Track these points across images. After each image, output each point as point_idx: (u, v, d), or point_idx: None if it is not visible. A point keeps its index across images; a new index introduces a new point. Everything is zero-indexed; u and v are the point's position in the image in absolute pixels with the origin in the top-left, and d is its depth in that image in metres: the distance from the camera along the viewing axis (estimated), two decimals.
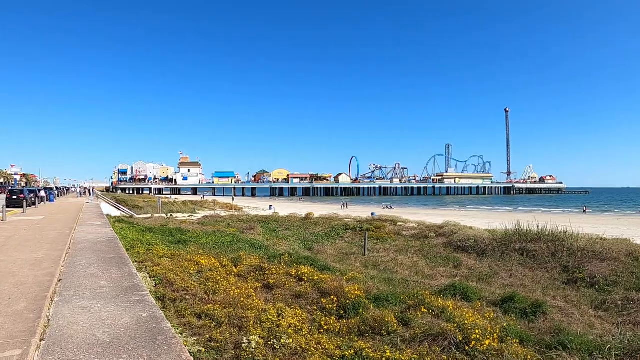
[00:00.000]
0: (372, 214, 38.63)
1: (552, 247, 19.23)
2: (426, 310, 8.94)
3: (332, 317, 8.16)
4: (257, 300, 8.21)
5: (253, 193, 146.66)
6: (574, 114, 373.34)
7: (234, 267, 11.74)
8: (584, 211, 58.72)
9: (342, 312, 8.71)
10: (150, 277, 9.11)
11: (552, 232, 20.51)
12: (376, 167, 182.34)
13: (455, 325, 8.01)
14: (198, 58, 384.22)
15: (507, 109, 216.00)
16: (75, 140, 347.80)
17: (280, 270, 11.16)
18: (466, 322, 8.20)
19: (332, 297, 9.18)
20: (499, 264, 17.85)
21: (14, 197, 28.76)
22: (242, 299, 7.97)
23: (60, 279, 5.70)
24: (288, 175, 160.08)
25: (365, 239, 17.91)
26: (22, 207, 24.13)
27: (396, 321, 8.29)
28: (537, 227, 20.75)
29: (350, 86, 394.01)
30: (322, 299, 9.20)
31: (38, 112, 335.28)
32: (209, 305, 7.50)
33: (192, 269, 10.63)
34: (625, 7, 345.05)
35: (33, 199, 30.25)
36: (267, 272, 11.02)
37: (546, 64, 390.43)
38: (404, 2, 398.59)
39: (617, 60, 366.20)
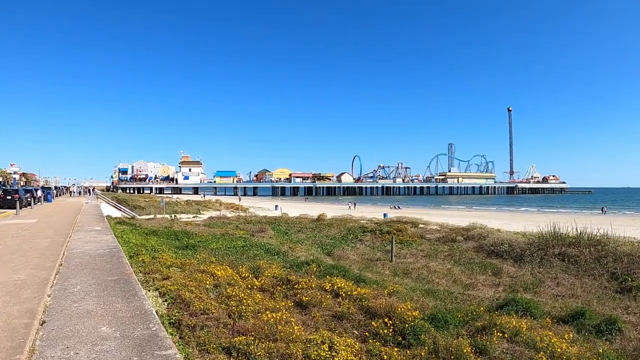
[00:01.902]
0: (385, 215, 36.90)
1: (594, 252, 17.65)
2: (500, 334, 7.30)
3: (395, 348, 6.47)
4: (296, 327, 6.50)
5: (255, 192, 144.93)
6: (575, 114, 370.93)
7: (254, 279, 10.04)
8: (603, 212, 56.66)
9: (399, 339, 7.05)
10: (160, 296, 7.41)
11: (590, 235, 18.95)
12: (380, 166, 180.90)
13: (545, 354, 6.50)
14: (199, 57, 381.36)
15: (510, 108, 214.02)
16: (76, 140, 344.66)
17: (311, 283, 9.44)
18: (557, 349, 6.75)
19: (385, 319, 7.50)
20: (541, 271, 16.23)
21: (8, 197, 26.96)
22: (279, 327, 6.25)
23: (44, 321, 3.91)
24: (290, 174, 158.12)
25: (392, 244, 16.20)
26: (15, 208, 22.34)
27: (471, 350, 6.68)
28: (576, 229, 19.16)
29: (352, 85, 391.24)
30: (372, 322, 7.53)
31: (38, 111, 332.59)
32: (239, 337, 5.78)
33: (207, 282, 8.92)
34: (627, 3, 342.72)
35: (29, 199, 28.45)
36: (296, 287, 9.31)
37: (548, 63, 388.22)
38: (407, 0, 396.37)
39: (618, 58, 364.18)
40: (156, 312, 6.23)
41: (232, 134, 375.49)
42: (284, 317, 6.68)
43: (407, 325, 7.31)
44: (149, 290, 7.46)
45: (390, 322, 7.41)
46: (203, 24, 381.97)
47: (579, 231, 19.19)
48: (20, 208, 22.86)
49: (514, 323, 7.86)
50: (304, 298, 8.32)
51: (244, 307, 7.18)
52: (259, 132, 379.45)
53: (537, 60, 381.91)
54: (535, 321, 8.90)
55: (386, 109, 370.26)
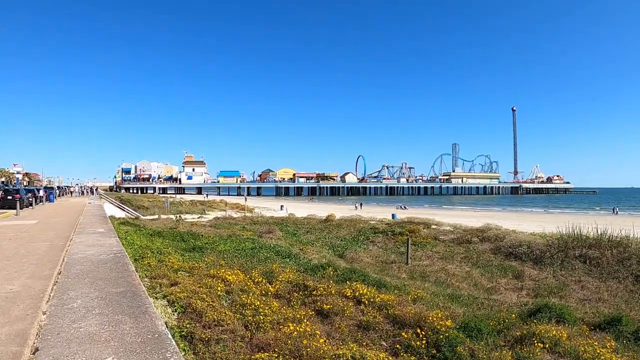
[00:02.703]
0: (393, 215, 36.20)
1: (616, 253, 16.95)
2: (540, 344, 6.70)
3: None
4: (322, 340, 5.83)
5: (258, 192, 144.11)
6: (578, 114, 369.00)
7: (268, 285, 9.37)
8: (615, 212, 55.43)
9: (434, 351, 6.40)
10: (169, 305, 6.74)
11: (610, 236, 18.26)
12: (384, 166, 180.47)
13: None
14: (202, 57, 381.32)
15: (514, 108, 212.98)
16: (79, 140, 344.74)
17: (330, 289, 8.75)
18: None
19: (416, 329, 6.84)
20: (563, 274, 15.55)
21: (9, 198, 26.29)
22: (304, 341, 5.58)
23: (37, 349, 3.26)
24: (294, 174, 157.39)
25: (407, 247, 15.52)
26: (16, 208, 21.67)
27: None
28: (597, 230, 18.47)
29: (354, 85, 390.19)
30: (401, 332, 6.85)
31: (41, 111, 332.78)
32: (260, 354, 5.13)
33: (218, 288, 8.25)
34: (628, 3, 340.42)
35: (30, 200, 27.78)
36: (314, 293, 8.63)
37: (550, 63, 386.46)
38: (410, 0, 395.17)
39: (619, 58, 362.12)
40: (165, 323, 5.56)
41: (236, 134, 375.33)
42: (308, 329, 6.00)
43: (440, 336, 6.65)
44: (156, 299, 6.80)
45: (422, 332, 6.75)
46: (203, 24, 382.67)
47: (598, 232, 18.54)
48: (21, 208, 22.26)
49: (554, 332, 7.22)
50: (325, 306, 7.63)
51: (261, 317, 6.52)
52: (262, 132, 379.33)
53: (539, 60, 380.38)
54: (571, 328, 8.24)
55: (390, 109, 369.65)
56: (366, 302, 8.24)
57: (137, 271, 7.62)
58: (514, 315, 8.86)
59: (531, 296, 13.07)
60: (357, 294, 8.50)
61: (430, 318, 7.20)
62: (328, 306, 7.63)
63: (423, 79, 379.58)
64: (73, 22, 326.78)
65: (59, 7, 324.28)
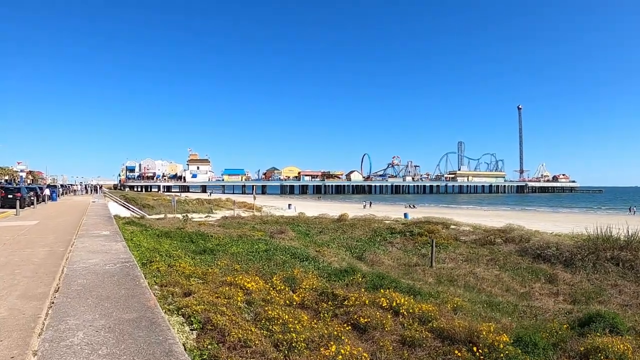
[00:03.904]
0: (405, 215, 35.18)
1: None
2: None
3: None
4: None
5: (263, 191, 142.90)
6: (581, 113, 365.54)
7: (292, 293, 8.46)
8: (632, 212, 53.61)
9: None
10: (186, 320, 5.80)
11: None
12: (390, 165, 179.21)
13: None
14: (206, 56, 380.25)
15: (520, 107, 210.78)
16: (83, 138, 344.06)
17: (363, 298, 7.80)
18: None
19: (472, 346, 5.92)
20: (598, 277, 14.58)
21: (9, 196, 25.32)
22: None
23: None
24: (299, 172, 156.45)
25: (432, 249, 14.57)
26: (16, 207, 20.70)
27: None
28: (627, 231, 17.50)
29: (356, 85, 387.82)
30: (453, 349, 5.93)
31: (45, 109, 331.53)
32: None
33: (238, 298, 7.34)
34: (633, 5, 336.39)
35: (32, 198, 26.81)
36: (345, 303, 7.67)
37: (558, 62, 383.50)
38: (410, 0, 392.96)
39: (625, 57, 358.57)
40: (184, 345, 4.63)
41: (240, 132, 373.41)
42: (355, 351, 5.05)
43: (501, 355, 5.73)
44: (171, 314, 5.87)
45: (479, 351, 5.81)
46: (205, 24, 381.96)
47: (629, 233, 17.59)
48: (22, 208, 21.37)
49: (621, 346, 6.33)
50: (361, 319, 6.68)
51: (293, 335, 5.58)
52: (267, 130, 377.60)
53: (544, 59, 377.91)
54: (632, 341, 7.30)
55: (394, 108, 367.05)
56: (405, 313, 7.31)
57: (145, 277, 6.67)
58: (565, 326, 7.97)
59: (568, 302, 12.15)
60: (393, 304, 7.54)
61: (484, 332, 6.27)
62: (365, 319, 6.68)
63: (424, 78, 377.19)
64: (75, 21, 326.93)
65: (61, 6, 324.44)
